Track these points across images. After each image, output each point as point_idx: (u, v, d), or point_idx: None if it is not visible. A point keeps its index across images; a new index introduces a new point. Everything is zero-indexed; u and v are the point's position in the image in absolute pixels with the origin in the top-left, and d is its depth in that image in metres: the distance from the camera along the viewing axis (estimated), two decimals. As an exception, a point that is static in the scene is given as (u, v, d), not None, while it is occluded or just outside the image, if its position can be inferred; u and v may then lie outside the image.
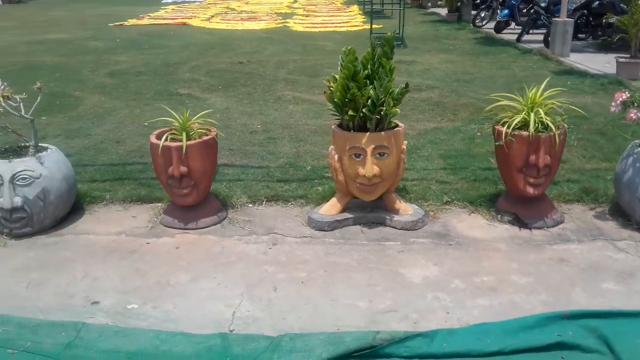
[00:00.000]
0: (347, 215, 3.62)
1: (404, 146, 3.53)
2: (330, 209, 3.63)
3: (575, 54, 10.14)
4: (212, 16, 17.36)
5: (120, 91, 7.87)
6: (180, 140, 3.48)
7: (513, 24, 13.99)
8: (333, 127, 3.59)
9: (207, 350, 2.45)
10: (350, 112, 3.34)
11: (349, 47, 3.40)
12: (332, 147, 3.56)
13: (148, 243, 3.46)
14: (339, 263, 3.18)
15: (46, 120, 6.16)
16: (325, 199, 3.93)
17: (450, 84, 8.10)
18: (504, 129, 3.37)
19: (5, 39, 12.69)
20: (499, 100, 3.68)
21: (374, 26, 13.80)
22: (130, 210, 3.92)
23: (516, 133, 3.34)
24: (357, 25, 15.46)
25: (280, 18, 17.12)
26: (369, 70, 3.41)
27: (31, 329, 2.61)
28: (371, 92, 3.29)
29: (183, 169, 3.44)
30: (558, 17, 10.26)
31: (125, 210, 3.92)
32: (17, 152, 3.63)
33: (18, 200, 3.38)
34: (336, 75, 3.51)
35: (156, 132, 3.65)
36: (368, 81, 3.36)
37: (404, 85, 3.43)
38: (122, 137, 5.62)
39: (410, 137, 5.54)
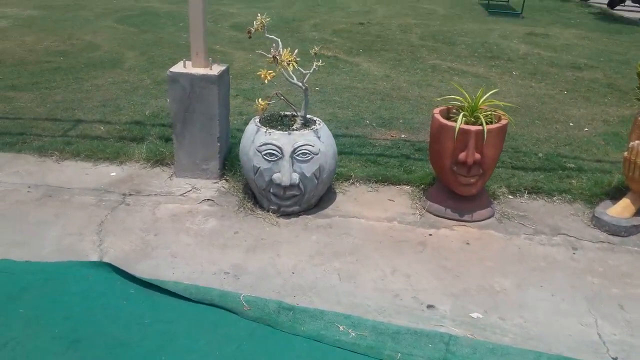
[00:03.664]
0: (642, 220, 3.25)
1: None
2: (623, 211, 3.26)
3: None
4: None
5: (261, 48, 7.50)
6: (469, 123, 3.13)
7: (627, 0, 13.22)
8: (640, 118, 3.18)
9: (610, 383, 2.14)
10: (691, 108, 2.91)
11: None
12: (637, 142, 3.16)
13: (431, 235, 3.14)
14: (669, 279, 2.83)
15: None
16: (592, 196, 3.57)
17: (607, 64, 7.56)
18: None
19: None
20: None
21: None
22: (380, 192, 3.60)
23: None
24: (457, -11, 14.66)
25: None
26: None
27: (390, 336, 2.33)
28: None
29: (477, 156, 3.08)
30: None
31: (375, 191, 3.61)
32: (281, 121, 3.31)
33: (296, 177, 3.08)
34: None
35: (438, 110, 3.29)
36: None
37: None
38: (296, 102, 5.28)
39: (614, 124, 5.11)
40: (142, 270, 2.66)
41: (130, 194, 3.38)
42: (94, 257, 2.75)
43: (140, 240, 2.92)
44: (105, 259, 2.73)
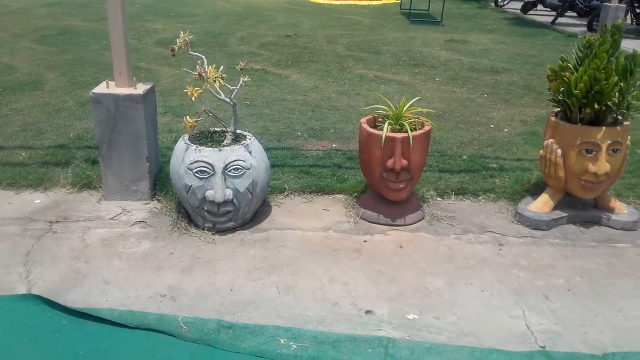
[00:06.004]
0: (560, 213, 3.45)
1: (628, 142, 3.36)
2: (543, 206, 3.45)
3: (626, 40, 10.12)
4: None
5: (189, 64, 7.42)
6: (394, 131, 3.23)
7: (539, 5, 14.02)
8: (553, 118, 3.38)
9: (539, 370, 2.26)
10: (596, 106, 3.13)
11: (593, 36, 3.17)
12: (551, 140, 3.36)
13: (365, 241, 3.22)
14: (587, 268, 3.02)
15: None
16: (514, 194, 3.76)
17: (523, 66, 7.98)
18: None
19: (20, -1, 11.86)
20: None
21: (393, 1, 13.87)
22: (315, 203, 3.65)
23: None
24: (379, -1, 15.14)
25: (295, -12, 16.55)
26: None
27: (331, 345, 2.36)
28: (622, 84, 3.09)
29: (404, 162, 3.19)
30: (597, 2, 10.25)
31: (309, 202, 3.65)
32: (211, 138, 3.31)
33: (230, 193, 3.08)
34: (569, 64, 3.28)
35: (365, 119, 3.38)
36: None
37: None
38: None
39: (531, 124, 5.40)
40: (73, 300, 2.58)
41: (57, 221, 3.27)
42: (22, 290, 2.64)
43: (70, 268, 2.83)
44: (34, 291, 2.63)
